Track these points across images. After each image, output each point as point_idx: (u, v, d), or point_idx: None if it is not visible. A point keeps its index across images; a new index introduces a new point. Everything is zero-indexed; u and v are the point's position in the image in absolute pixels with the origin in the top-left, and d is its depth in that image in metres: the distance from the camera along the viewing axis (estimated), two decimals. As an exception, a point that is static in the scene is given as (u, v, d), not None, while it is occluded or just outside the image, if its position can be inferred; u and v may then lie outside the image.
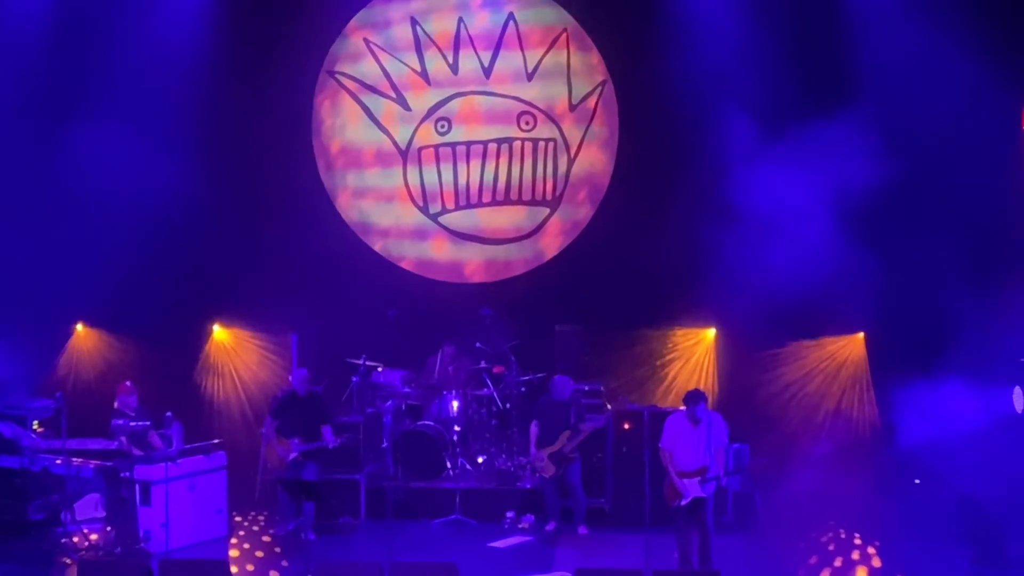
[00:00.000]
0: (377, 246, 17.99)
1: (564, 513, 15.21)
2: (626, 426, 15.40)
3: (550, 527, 15.16)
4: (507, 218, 17.96)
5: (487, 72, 17.87)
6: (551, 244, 17.89)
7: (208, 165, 16.83)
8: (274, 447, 15.03)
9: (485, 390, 16.64)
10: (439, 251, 18.03)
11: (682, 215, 16.34)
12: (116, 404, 15.13)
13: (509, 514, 15.54)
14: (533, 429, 15.21)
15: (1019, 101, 16.18)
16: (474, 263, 18.02)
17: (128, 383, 15.35)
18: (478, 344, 16.79)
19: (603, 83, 17.70)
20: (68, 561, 14.04)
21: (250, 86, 17.36)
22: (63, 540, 14.55)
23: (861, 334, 16.94)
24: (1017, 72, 15.73)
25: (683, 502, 13.16)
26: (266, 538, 15.07)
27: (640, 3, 17.07)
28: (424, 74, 17.93)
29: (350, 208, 18.06)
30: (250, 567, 14.02)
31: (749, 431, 15.85)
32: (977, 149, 15.66)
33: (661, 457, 13.33)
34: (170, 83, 16.87)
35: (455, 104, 17.93)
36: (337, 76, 18.00)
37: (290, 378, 15.62)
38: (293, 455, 14.83)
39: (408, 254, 18.04)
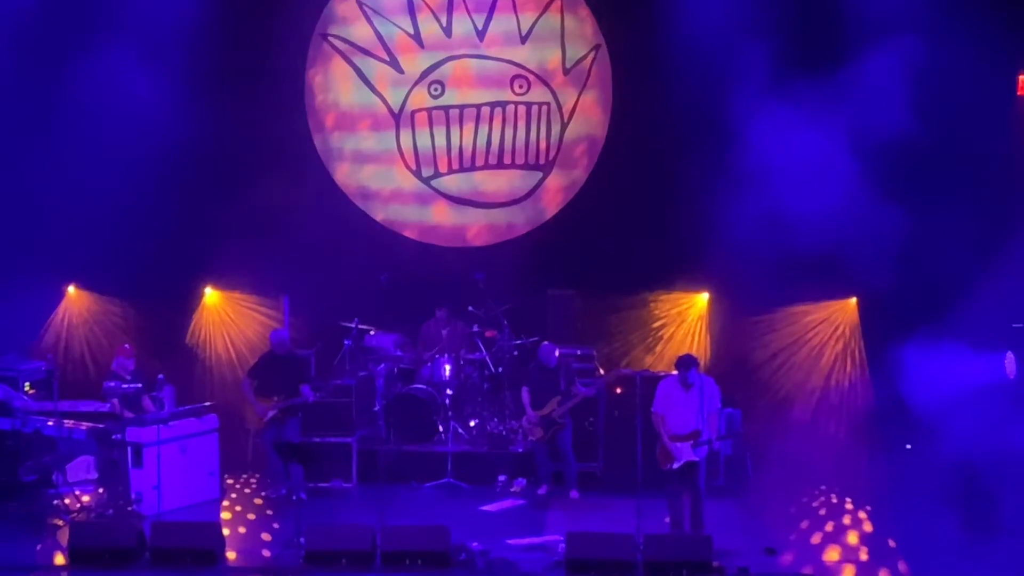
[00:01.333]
0: (378, 214, 17.87)
1: (556, 477, 15.24)
2: (618, 390, 15.41)
3: (542, 491, 15.18)
4: (501, 182, 17.87)
5: (480, 35, 17.76)
6: (550, 204, 17.79)
7: (202, 127, 16.70)
8: (252, 405, 15.09)
9: (477, 354, 16.62)
10: (439, 216, 17.94)
11: (676, 179, 16.33)
12: (113, 366, 15.15)
13: (501, 478, 15.56)
14: (525, 395, 15.21)
15: (1016, 66, 16.14)
16: (476, 227, 17.95)
17: (127, 346, 15.40)
18: (470, 308, 16.78)
19: (597, 46, 17.61)
20: (60, 523, 14.03)
21: (243, 49, 17.21)
22: (55, 502, 14.54)
23: (854, 299, 16.91)
24: (1014, 36, 15.68)
25: (675, 466, 13.19)
26: (258, 500, 15.09)
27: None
28: (417, 37, 17.81)
29: (343, 171, 17.96)
30: (242, 529, 14.05)
31: (741, 396, 15.90)
32: (976, 114, 15.59)
33: (653, 421, 13.34)
34: (163, 45, 16.74)
35: (448, 67, 17.82)
36: (330, 39, 17.89)
37: (269, 338, 15.62)
38: (272, 413, 14.86)
39: (404, 218, 17.93)
